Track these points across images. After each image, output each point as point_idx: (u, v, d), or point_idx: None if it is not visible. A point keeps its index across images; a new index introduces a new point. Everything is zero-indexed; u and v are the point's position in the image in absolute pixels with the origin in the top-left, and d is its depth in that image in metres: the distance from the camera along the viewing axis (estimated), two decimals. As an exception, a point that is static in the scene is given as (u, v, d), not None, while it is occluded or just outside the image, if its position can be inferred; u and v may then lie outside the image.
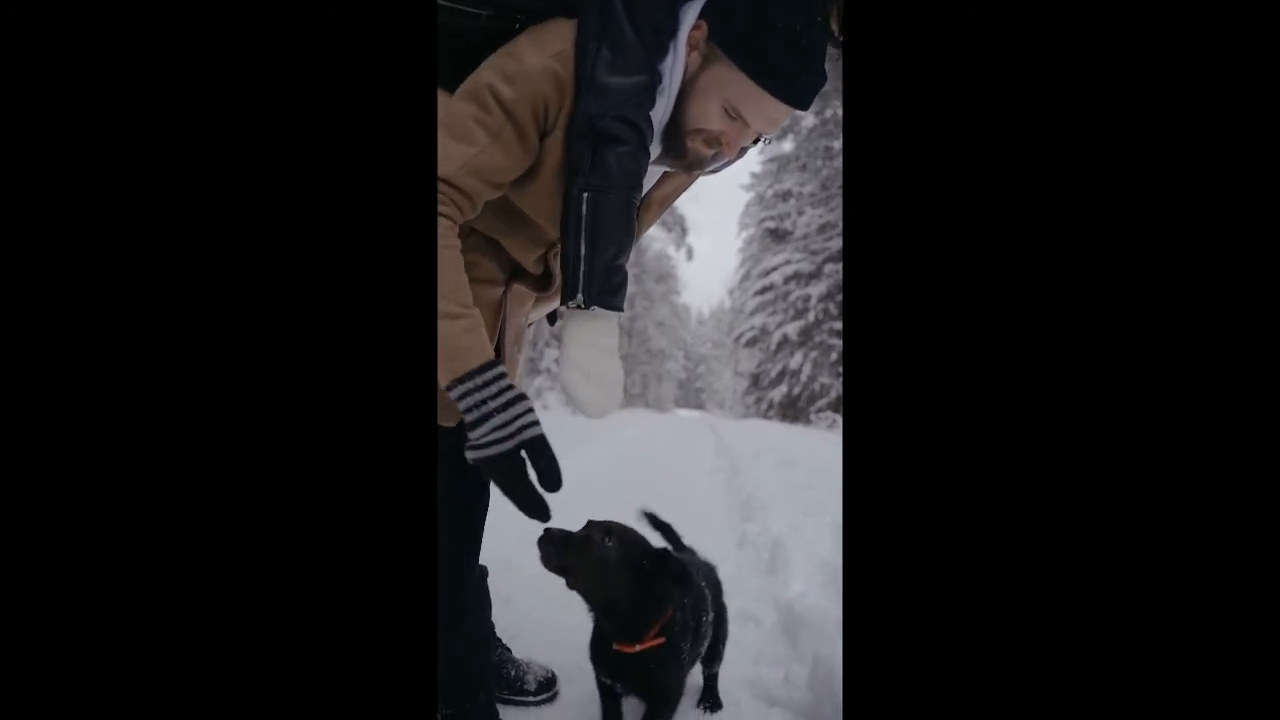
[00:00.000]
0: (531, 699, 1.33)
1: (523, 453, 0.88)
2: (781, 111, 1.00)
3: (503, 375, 0.89)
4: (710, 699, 1.30)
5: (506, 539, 1.94)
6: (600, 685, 1.18)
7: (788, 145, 19.45)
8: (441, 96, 1.05)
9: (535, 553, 2.32)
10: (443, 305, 0.88)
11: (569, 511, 0.98)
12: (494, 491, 1.13)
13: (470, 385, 0.87)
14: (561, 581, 2.07)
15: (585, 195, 0.97)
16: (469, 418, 0.88)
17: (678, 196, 1.31)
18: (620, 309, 1.02)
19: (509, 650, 1.40)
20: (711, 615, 1.24)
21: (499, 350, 1.10)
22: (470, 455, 0.88)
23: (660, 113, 1.00)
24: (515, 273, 1.14)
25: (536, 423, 0.89)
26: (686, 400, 36.83)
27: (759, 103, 0.98)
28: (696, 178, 1.26)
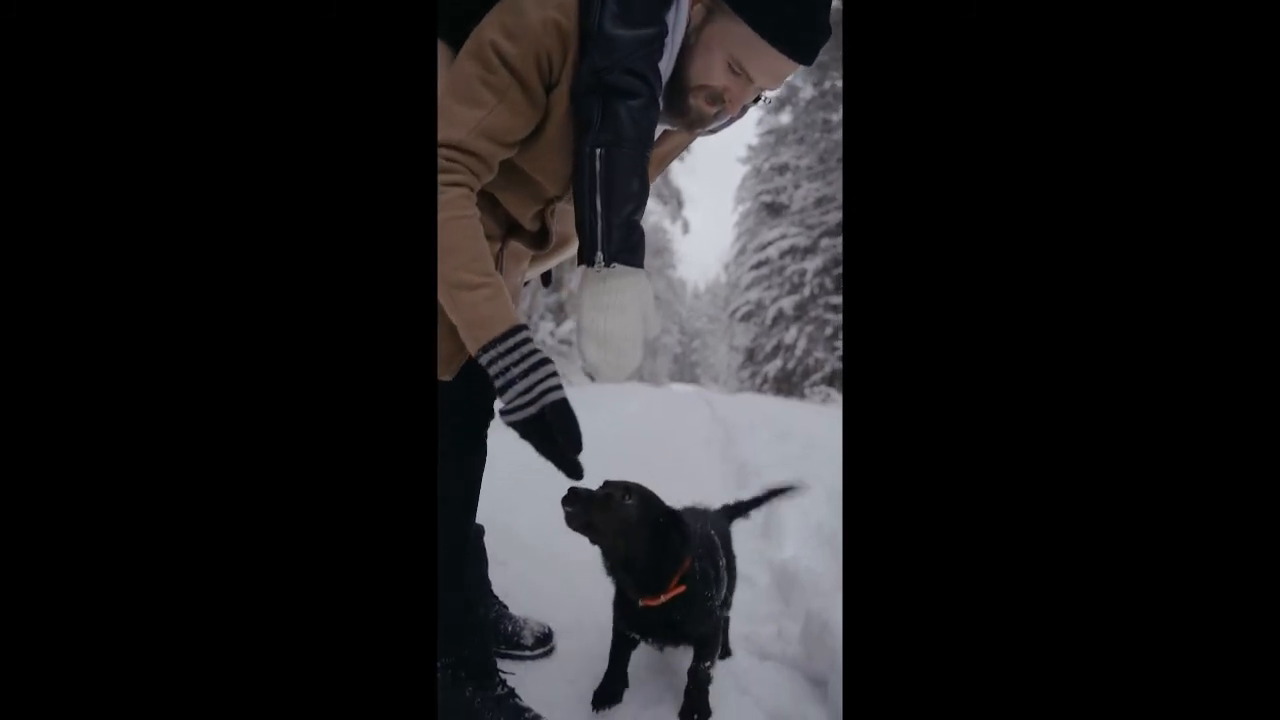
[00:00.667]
0: (529, 653, 1.36)
1: (547, 416, 0.90)
2: (786, 66, 0.98)
3: (526, 340, 0.90)
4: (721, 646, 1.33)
5: (502, 504, 1.96)
6: (616, 636, 1.21)
7: (785, 118, 19.23)
8: (442, 52, 1.03)
9: (529, 517, 2.34)
10: (463, 275, 0.89)
11: (554, 496, 1.01)
12: (491, 452, 1.14)
13: (495, 352, 0.89)
14: (557, 545, 2.11)
15: (598, 152, 0.96)
16: (497, 383, 0.90)
17: (676, 155, 1.30)
18: (641, 265, 1.01)
19: (505, 607, 1.41)
20: (724, 560, 1.28)
21: None
22: (502, 419, 0.92)
23: (664, 67, 0.99)
24: (511, 229, 1.13)
25: (559, 387, 0.91)
26: (681, 375, 36.89)
27: (763, 57, 0.97)
28: (695, 137, 1.25)
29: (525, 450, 0.94)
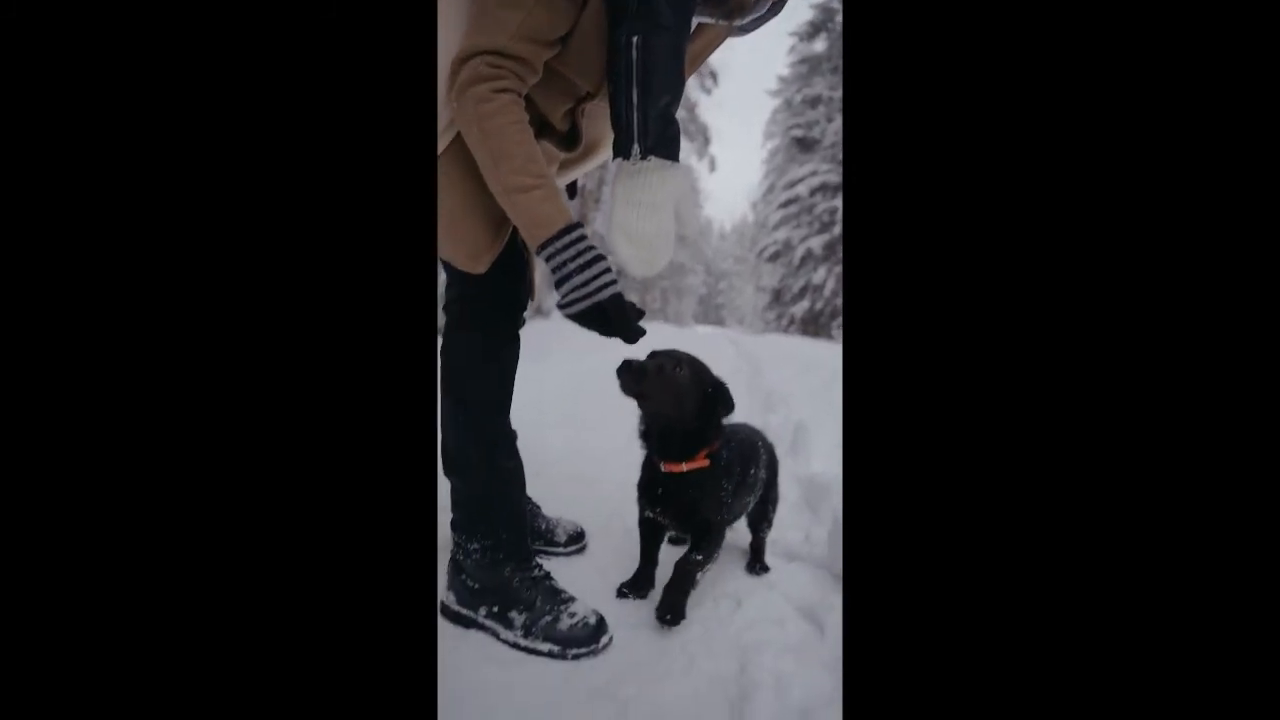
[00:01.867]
0: (561, 550, 1.41)
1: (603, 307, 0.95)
2: None
3: (582, 238, 0.94)
4: (759, 563, 1.37)
5: (534, 415, 2.01)
6: (642, 525, 1.25)
7: (819, 45, 18.33)
8: None
9: (562, 431, 2.39)
10: (518, 179, 0.92)
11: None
12: (523, 361, 1.17)
13: (553, 248, 0.92)
14: (587, 455, 2.15)
15: (635, 39, 0.94)
16: (555, 277, 0.95)
17: (710, 54, 1.26)
18: (677, 159, 1.01)
19: (539, 507, 1.47)
20: (764, 474, 1.32)
21: None
22: (560, 311, 0.97)
23: None
24: (542, 129, 1.12)
25: (613, 282, 0.95)
26: (706, 317, 36.70)
27: None
28: (727, 35, 1.20)
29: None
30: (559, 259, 0.93)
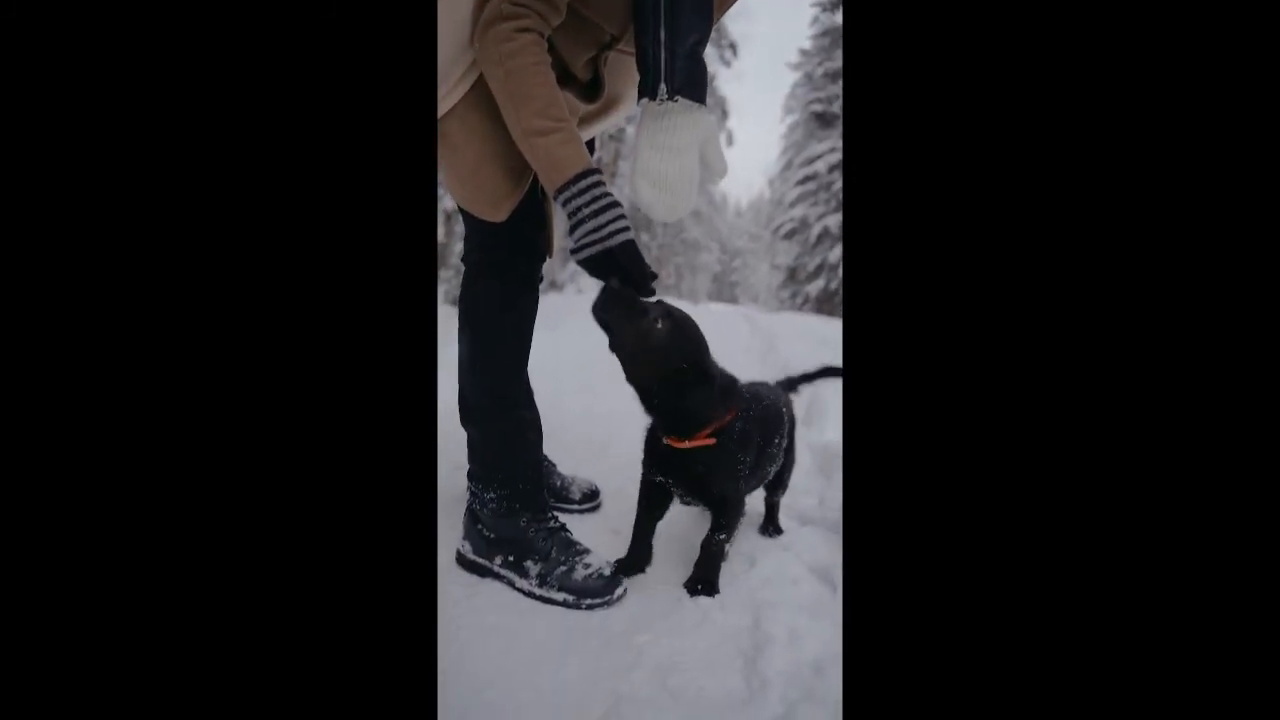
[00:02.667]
0: (576, 507, 1.42)
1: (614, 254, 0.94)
2: None
3: (598, 183, 0.93)
4: (772, 525, 1.36)
5: (550, 383, 2.01)
6: (645, 484, 1.18)
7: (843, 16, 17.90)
8: None
9: (577, 398, 2.38)
10: (537, 122, 0.91)
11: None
12: (538, 330, 1.15)
13: (569, 193, 0.92)
14: (607, 417, 2.14)
15: None
16: (570, 222, 0.94)
17: (733, 2, 1.23)
18: (704, 101, 0.99)
19: (555, 465, 1.47)
20: (785, 442, 1.27)
21: None
22: (572, 257, 0.96)
23: None
24: (563, 78, 1.10)
25: (626, 229, 0.93)
26: (720, 294, 36.44)
27: None
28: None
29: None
30: (574, 204, 0.92)
